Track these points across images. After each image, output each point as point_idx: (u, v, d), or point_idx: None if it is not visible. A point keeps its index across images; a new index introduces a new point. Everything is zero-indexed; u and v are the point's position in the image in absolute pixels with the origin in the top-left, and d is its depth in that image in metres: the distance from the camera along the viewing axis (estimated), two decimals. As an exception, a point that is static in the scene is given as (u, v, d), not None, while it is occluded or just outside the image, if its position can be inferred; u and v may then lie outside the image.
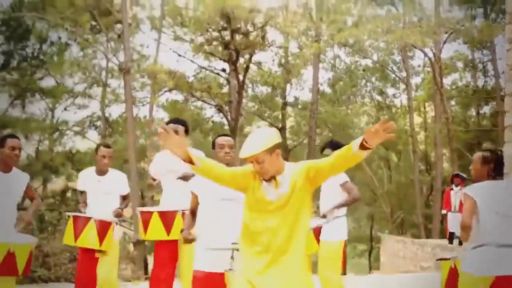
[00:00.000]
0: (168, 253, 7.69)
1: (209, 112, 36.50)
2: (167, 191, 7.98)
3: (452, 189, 17.90)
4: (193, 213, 6.46)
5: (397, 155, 42.77)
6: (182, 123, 7.90)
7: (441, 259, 6.88)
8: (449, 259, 6.67)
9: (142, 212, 7.63)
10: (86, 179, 8.27)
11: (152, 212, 7.48)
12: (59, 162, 32.57)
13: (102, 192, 8.03)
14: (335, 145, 8.11)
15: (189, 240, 6.24)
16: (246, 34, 27.64)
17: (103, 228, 7.67)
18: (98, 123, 36.78)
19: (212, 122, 36.41)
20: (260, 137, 4.84)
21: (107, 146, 8.22)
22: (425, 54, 33.18)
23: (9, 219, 6.97)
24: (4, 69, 31.38)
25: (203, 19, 27.87)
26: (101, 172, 8.15)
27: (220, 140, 6.42)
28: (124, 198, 8.32)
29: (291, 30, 30.27)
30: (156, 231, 7.43)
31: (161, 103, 35.21)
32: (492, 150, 6.38)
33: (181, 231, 6.41)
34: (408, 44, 29.70)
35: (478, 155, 6.25)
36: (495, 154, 6.24)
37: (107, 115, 36.59)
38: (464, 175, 18.66)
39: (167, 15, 32.10)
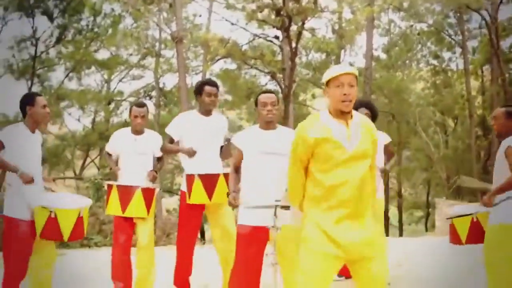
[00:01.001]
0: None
1: (263, 80, 36.38)
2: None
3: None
4: (237, 169, 6.45)
5: (454, 120, 42.20)
6: (217, 84, 7.82)
7: (457, 217, 6.69)
8: (468, 214, 6.56)
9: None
10: (121, 138, 7.98)
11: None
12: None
13: (138, 152, 7.78)
14: (370, 105, 8.20)
15: (234, 205, 6.23)
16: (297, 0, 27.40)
17: (149, 195, 7.56)
18: (153, 93, 37.06)
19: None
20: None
21: (140, 105, 7.92)
22: (481, 15, 32.44)
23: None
24: (59, 42, 31.84)
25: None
26: (137, 132, 7.89)
27: (263, 97, 6.35)
28: (158, 160, 8.10)
29: (345, -7, 29.88)
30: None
31: (215, 72, 35.25)
32: None
33: (227, 194, 6.39)
34: (463, 5, 29.07)
35: (501, 110, 6.35)
36: None
37: (161, 85, 36.85)
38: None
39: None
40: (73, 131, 38.22)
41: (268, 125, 6.32)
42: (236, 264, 6.28)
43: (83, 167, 38.14)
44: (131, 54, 36.13)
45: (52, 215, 6.31)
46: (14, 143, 6.49)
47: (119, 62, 35.30)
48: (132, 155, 7.77)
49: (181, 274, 7.74)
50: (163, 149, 7.84)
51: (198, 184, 7.22)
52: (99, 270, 6.50)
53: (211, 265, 8.39)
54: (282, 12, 27.19)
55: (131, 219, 7.68)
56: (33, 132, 6.66)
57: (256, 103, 6.45)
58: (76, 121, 38.16)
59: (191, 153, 7.44)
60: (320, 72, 37.10)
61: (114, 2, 29.88)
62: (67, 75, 34.40)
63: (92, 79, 44.48)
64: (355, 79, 4.70)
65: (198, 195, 7.25)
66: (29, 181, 6.38)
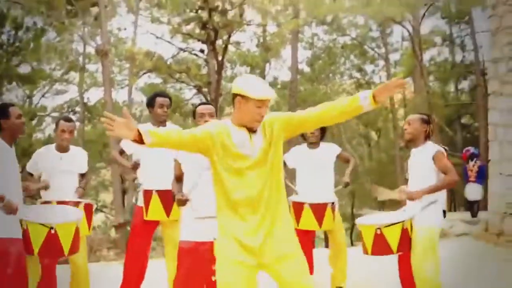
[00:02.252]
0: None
1: (188, 94, 36.33)
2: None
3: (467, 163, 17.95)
4: (178, 179, 6.40)
5: (377, 132, 42.85)
6: (169, 96, 7.78)
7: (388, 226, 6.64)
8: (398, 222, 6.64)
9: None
10: (45, 157, 7.51)
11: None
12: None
13: (63, 170, 7.36)
14: None
15: (183, 202, 6.10)
16: (224, 12, 27.47)
17: (89, 211, 7.22)
18: (77, 108, 36.54)
19: (192, 104, 36.21)
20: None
21: (68, 120, 7.57)
22: (405, 28, 33.09)
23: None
24: (-21, 57, 31.07)
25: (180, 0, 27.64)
26: (62, 148, 7.50)
27: (201, 108, 6.38)
28: (82, 176, 7.73)
29: (269, 8, 30.06)
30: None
31: (140, 87, 35.02)
32: (428, 115, 6.96)
33: (173, 197, 6.31)
34: (387, 18, 29.56)
35: (415, 116, 6.84)
36: (430, 117, 6.91)
37: (85, 100, 36.42)
38: (446, 148, 18.75)
39: (143, -3, 31.83)
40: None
41: None
42: (178, 278, 6.21)
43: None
44: (54, 69, 35.55)
45: (52, 231, 6.05)
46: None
47: (42, 76, 34.61)
48: (58, 173, 7.35)
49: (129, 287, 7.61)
50: (111, 158, 7.61)
51: (155, 200, 7.12)
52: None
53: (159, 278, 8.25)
54: (208, 25, 27.26)
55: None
56: (10, 146, 6.27)
57: (194, 115, 6.47)
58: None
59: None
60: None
61: (36, 15, 29.28)
62: (-13, 90, 33.63)
63: (14, 94, 43.67)
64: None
65: (155, 211, 7.16)
66: (12, 211, 5.95)
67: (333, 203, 7.80)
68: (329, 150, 8.23)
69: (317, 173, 8.11)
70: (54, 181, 7.34)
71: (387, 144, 40.24)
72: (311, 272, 7.80)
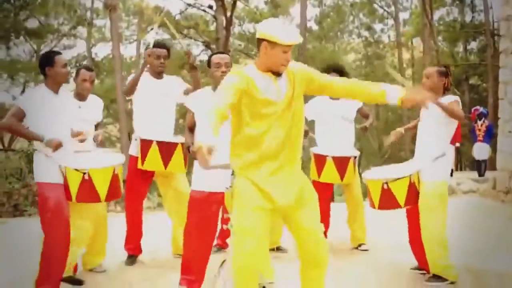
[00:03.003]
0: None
1: (196, 50, 36.18)
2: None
3: (476, 122, 17.92)
4: (191, 129, 6.38)
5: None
6: (166, 47, 7.68)
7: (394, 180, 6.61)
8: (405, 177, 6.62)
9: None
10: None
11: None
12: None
13: (82, 119, 7.11)
14: (340, 70, 7.96)
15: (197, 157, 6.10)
16: (233, -32, 27.37)
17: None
18: (85, 62, 36.42)
19: (200, 61, 36.11)
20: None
21: (89, 69, 7.38)
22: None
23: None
24: (-14, 11, 30.95)
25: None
26: (82, 97, 7.30)
27: (216, 58, 6.20)
28: (97, 125, 7.58)
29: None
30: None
31: (148, 42, 34.74)
32: (446, 66, 6.76)
33: (187, 148, 6.31)
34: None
35: (433, 68, 6.67)
36: (449, 69, 6.69)
37: (93, 55, 36.32)
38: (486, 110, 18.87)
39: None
40: (1, 102, 37.37)
41: None
42: (189, 226, 6.20)
43: (12, 139, 37.34)
44: (62, 23, 35.42)
45: (86, 177, 6.08)
46: (37, 107, 6.11)
47: (50, 31, 34.51)
48: (77, 122, 6.97)
49: (132, 238, 7.66)
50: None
51: (154, 151, 7.08)
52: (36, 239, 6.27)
53: (162, 230, 8.42)
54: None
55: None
56: (56, 92, 6.24)
57: (208, 64, 6.31)
58: (5, 92, 37.39)
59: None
60: (253, 43, 37.07)
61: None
62: (-6, 44, 33.58)
63: (21, 49, 43.59)
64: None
65: (153, 162, 7.11)
66: (57, 146, 6.00)
67: (355, 157, 7.82)
68: (351, 103, 8.13)
69: (339, 126, 8.08)
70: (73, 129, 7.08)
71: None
72: (327, 226, 7.82)
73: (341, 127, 8.08)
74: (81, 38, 36.19)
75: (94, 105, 7.50)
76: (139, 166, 7.17)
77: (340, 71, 7.88)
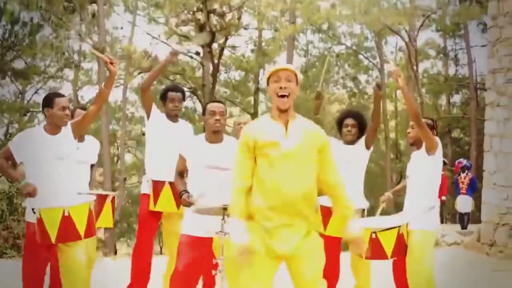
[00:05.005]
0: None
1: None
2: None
3: (459, 175, 18.02)
4: (181, 174, 6.44)
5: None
6: (181, 90, 7.79)
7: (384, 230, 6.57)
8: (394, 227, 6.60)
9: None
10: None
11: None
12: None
13: (79, 161, 6.83)
14: (357, 115, 7.70)
15: (189, 203, 6.12)
16: (221, 15, 27.51)
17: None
18: (71, 105, 36.28)
19: (185, 107, 36.11)
20: (291, 64, 4.93)
21: (84, 109, 7.33)
22: (402, 38, 33.16)
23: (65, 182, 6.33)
24: (-26, 51, 30.92)
25: (178, 1, 27.63)
26: (80, 138, 7.07)
27: (211, 106, 6.34)
28: (91, 166, 7.61)
29: (267, 11, 30.07)
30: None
31: (133, 87, 34.89)
32: (432, 119, 6.95)
33: (180, 195, 6.30)
34: (384, 27, 29.62)
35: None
36: (435, 122, 6.95)
37: (79, 98, 36.25)
38: (445, 160, 18.96)
39: (141, -4, 31.78)
40: (-17, 142, 37.12)
41: (214, 135, 6.33)
42: (176, 270, 6.25)
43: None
44: (48, 65, 35.39)
45: (66, 213, 5.95)
46: (28, 148, 6.20)
47: (36, 72, 34.44)
48: (73, 164, 6.63)
49: (139, 281, 7.62)
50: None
51: (167, 191, 7.16)
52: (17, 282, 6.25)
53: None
54: (205, 27, 27.23)
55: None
56: (54, 134, 6.29)
57: (203, 112, 6.45)
58: (-13, 132, 37.11)
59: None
60: (238, 91, 37.23)
61: (34, 10, 29.17)
62: (-20, 85, 33.48)
63: (6, 90, 43.45)
64: (293, 75, 4.75)
65: (165, 203, 7.21)
66: (30, 192, 5.99)
67: (363, 209, 7.44)
68: (361, 147, 7.58)
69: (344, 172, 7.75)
70: (71, 171, 6.80)
71: (378, 156, 40.23)
72: (337, 278, 7.63)
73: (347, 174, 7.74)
74: (68, 81, 36.16)
75: (91, 146, 7.56)
76: (151, 208, 7.27)
77: (357, 116, 7.67)
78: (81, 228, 6.03)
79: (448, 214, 32.82)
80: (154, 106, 7.54)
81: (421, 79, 38.10)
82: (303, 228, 4.73)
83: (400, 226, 6.53)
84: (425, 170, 6.58)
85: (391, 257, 6.56)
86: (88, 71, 35.78)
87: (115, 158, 36.59)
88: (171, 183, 7.03)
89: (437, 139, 6.57)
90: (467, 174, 18.11)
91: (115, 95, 35.39)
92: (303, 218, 4.72)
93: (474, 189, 17.92)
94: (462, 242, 15.01)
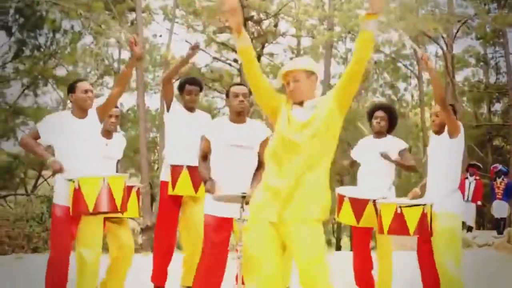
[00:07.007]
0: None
1: (221, 103, 36.51)
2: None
3: (466, 178, 17.85)
4: (204, 157, 6.56)
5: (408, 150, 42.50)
6: (199, 83, 7.96)
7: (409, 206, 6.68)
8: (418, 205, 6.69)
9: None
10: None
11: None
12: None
13: (106, 157, 7.22)
14: (387, 108, 7.89)
15: (211, 191, 6.25)
16: (258, 22, 27.62)
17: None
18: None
19: (224, 114, 36.23)
20: (303, 59, 5.13)
21: (114, 106, 7.47)
22: (438, 45, 32.96)
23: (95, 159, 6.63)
24: (17, 58, 31.44)
25: (215, 8, 27.82)
26: (109, 135, 7.48)
27: (234, 89, 6.54)
28: (117, 162, 7.80)
29: (304, 18, 30.11)
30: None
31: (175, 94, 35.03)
32: (452, 104, 6.85)
33: (204, 182, 6.44)
34: (421, 34, 29.49)
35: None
36: (455, 107, 6.84)
37: (119, 105, 36.52)
38: (480, 165, 18.84)
39: (179, 4, 31.93)
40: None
41: (238, 116, 6.46)
42: (204, 252, 6.42)
43: (35, 186, 37.51)
44: (89, 72, 35.86)
45: (105, 182, 6.17)
46: (55, 130, 6.45)
47: (78, 79, 34.88)
48: (102, 159, 7.01)
49: (161, 268, 7.76)
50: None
51: (185, 175, 7.33)
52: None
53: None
54: (242, 35, 27.35)
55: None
56: (80, 118, 6.56)
57: (227, 95, 6.59)
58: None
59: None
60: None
61: (74, 18, 29.61)
62: (23, 91, 33.96)
63: (48, 97, 43.96)
64: (301, 73, 4.95)
65: (184, 186, 7.36)
66: (57, 169, 6.24)
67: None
68: (394, 142, 7.73)
69: (375, 164, 7.67)
70: (96, 166, 7.01)
71: (416, 162, 39.97)
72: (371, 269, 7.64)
73: (376, 166, 7.66)
74: (108, 88, 36.56)
75: (119, 143, 7.75)
76: (170, 192, 7.45)
77: (387, 109, 7.86)
78: (118, 200, 6.23)
79: (488, 223, 32.52)
80: (174, 99, 7.73)
81: (461, 87, 37.83)
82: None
83: (425, 205, 6.63)
84: (447, 153, 6.67)
85: (413, 234, 6.63)
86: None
87: (154, 165, 36.86)
88: (189, 167, 7.25)
89: (460, 123, 6.65)
90: (503, 179, 17.98)
91: (154, 102, 35.70)
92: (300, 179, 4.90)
93: (511, 194, 17.79)
94: (493, 244, 14.91)
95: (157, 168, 35.95)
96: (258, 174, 6.33)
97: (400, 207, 6.61)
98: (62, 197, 6.38)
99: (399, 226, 6.62)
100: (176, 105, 7.78)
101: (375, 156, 7.65)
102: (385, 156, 7.51)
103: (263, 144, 6.29)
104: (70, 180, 6.20)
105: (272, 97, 5.00)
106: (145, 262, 8.87)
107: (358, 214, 7.18)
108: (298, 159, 4.81)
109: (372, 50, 5.02)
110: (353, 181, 8.12)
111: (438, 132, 6.82)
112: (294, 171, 4.81)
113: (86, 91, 6.54)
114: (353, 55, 4.87)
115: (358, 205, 7.17)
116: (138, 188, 7.38)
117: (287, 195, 4.81)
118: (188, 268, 7.40)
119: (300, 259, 4.78)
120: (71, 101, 6.63)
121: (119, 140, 7.81)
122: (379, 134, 7.75)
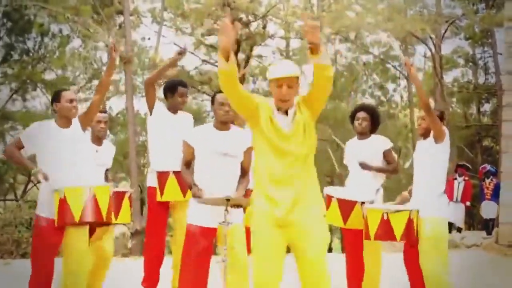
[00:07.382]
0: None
1: (210, 106, 36.34)
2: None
3: (455, 178, 17.86)
4: (188, 165, 6.50)
5: (397, 152, 42.54)
6: (184, 85, 7.93)
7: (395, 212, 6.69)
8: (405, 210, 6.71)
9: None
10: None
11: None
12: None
13: (97, 164, 7.13)
14: (369, 109, 7.79)
15: (198, 195, 6.18)
16: (247, 24, 27.57)
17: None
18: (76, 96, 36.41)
19: (213, 117, 35.96)
20: (293, 65, 5.11)
21: (102, 111, 7.57)
22: (426, 44, 33.02)
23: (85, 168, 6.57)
24: (5, 62, 31.36)
25: (203, 10, 27.78)
26: (99, 141, 7.47)
27: (220, 97, 6.35)
28: (106, 170, 7.78)
29: (293, 20, 30.09)
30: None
31: (161, 97, 34.95)
32: (440, 110, 7.06)
33: (189, 188, 6.40)
34: (409, 34, 29.53)
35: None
36: (443, 113, 7.03)
37: (107, 109, 36.45)
38: (469, 166, 18.87)
39: (167, 7, 31.87)
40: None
41: (222, 125, 6.39)
42: (184, 261, 6.36)
43: (25, 191, 37.40)
44: (78, 75, 35.74)
45: (91, 193, 6.14)
46: (38, 140, 6.41)
47: (66, 83, 34.69)
48: (93, 166, 7.08)
49: (152, 273, 7.73)
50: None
51: (172, 181, 7.34)
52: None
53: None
54: (230, 37, 27.33)
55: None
56: (64, 127, 6.51)
57: (212, 102, 6.50)
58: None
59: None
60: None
61: (63, 22, 29.53)
62: (11, 96, 33.85)
63: (37, 101, 43.77)
64: (294, 80, 4.98)
65: (172, 192, 7.37)
66: (42, 179, 6.19)
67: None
68: (376, 144, 7.59)
69: (357, 167, 7.59)
70: (82, 176, 6.91)
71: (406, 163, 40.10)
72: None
73: (359, 169, 7.60)
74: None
75: (109, 151, 7.76)
76: (158, 198, 7.45)
77: (369, 109, 7.79)
78: (104, 209, 6.20)
79: (478, 224, 32.56)
80: (157, 101, 7.69)
81: (451, 87, 37.89)
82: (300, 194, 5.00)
83: (411, 211, 6.65)
84: (433, 158, 6.72)
85: (400, 240, 6.66)
86: (116, 82, 36.00)
87: (144, 169, 36.75)
88: (175, 173, 7.20)
89: (445, 129, 6.65)
90: (491, 179, 18.00)
91: (143, 106, 35.54)
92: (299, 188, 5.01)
93: (499, 195, 17.81)
94: (481, 244, 14.94)
95: (147, 172, 35.77)
96: (243, 181, 6.33)
97: (387, 213, 6.62)
98: (46, 209, 6.36)
99: (385, 232, 6.64)
100: (160, 107, 7.75)
101: (360, 158, 7.59)
102: (363, 166, 7.47)
103: (247, 152, 6.26)
104: (56, 190, 6.17)
105: (251, 102, 5.00)
106: (135, 266, 8.83)
107: (345, 215, 7.14)
108: (292, 165, 4.93)
109: (331, 79, 5.09)
110: (343, 183, 8.08)
111: (424, 136, 6.86)
112: (291, 178, 4.95)
113: (71, 101, 6.50)
114: (312, 87, 5.01)
115: (346, 206, 7.13)
116: (130, 194, 7.35)
117: (292, 200, 4.90)
118: (178, 271, 7.37)
119: (308, 255, 4.89)
120: (55, 110, 6.57)
121: (109, 147, 7.82)
122: (362, 135, 7.68)
